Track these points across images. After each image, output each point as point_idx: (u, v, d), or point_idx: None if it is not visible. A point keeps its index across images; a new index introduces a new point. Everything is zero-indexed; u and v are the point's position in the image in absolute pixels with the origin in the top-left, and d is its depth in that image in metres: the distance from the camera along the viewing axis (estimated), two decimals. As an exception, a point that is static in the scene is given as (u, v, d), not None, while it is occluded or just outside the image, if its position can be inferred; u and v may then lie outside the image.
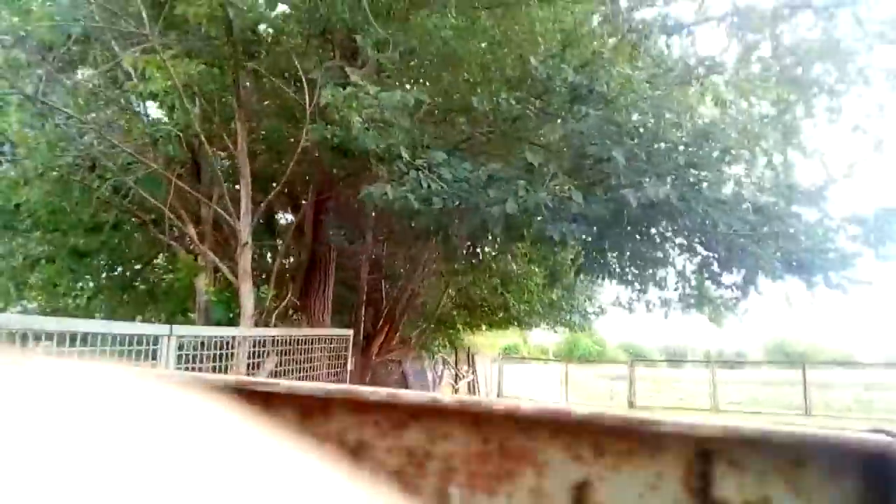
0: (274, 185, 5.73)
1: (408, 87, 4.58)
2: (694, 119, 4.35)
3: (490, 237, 4.50)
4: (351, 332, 6.27)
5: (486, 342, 25.55)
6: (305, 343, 5.48)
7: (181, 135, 4.90)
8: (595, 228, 4.41)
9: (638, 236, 4.59)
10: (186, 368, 4.03)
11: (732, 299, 5.45)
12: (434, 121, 5.06)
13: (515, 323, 10.91)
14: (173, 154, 4.97)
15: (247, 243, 4.84)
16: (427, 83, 5.27)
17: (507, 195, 4.25)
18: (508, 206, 4.10)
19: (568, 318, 10.26)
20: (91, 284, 5.62)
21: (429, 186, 4.34)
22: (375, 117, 4.08)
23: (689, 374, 24.51)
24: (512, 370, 24.78)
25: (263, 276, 5.59)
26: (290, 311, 5.90)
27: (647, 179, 4.18)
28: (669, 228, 4.45)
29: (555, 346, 35.59)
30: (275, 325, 5.28)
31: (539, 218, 4.26)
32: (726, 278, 5.27)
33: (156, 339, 3.80)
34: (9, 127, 4.29)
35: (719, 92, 4.28)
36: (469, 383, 15.15)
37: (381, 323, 7.32)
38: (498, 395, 21.35)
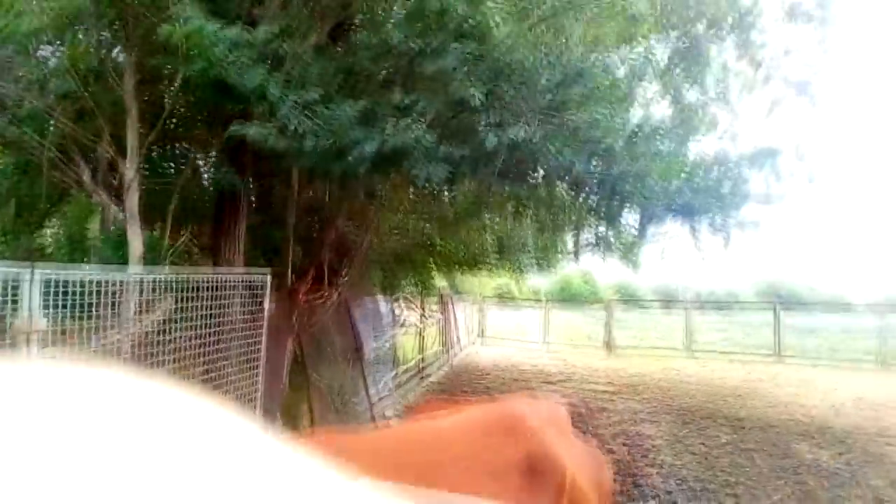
0: (173, 123, 5.70)
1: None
2: (569, 58, 4.25)
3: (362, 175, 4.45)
4: (268, 271, 6.23)
5: (475, 284, 25.81)
6: (211, 284, 5.46)
7: (70, 72, 4.86)
8: (461, 170, 4.38)
9: (509, 178, 4.56)
10: (55, 315, 4.02)
11: (631, 241, 5.47)
12: (323, 59, 4.95)
13: (468, 265, 10.95)
14: (62, 91, 4.92)
15: (131, 183, 4.85)
16: (319, 22, 5.14)
17: (375, 135, 4.22)
18: (367, 145, 4.08)
19: (518, 261, 10.30)
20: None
21: (298, 125, 4.31)
22: (231, 54, 4.01)
23: (677, 316, 24.59)
24: (499, 313, 25.11)
25: (164, 218, 5.59)
26: (195, 252, 5.94)
27: (511, 120, 4.14)
28: (540, 170, 4.40)
29: (548, 289, 35.87)
30: (174, 268, 5.31)
31: (407, 158, 4.25)
32: (621, 220, 5.27)
33: (15, 279, 3.79)
34: None
35: (594, 31, 4.17)
36: (440, 325, 15.32)
37: (311, 264, 7.35)
38: (480, 336, 21.72)
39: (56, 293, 4.01)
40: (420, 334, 13.65)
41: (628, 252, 5.99)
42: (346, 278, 7.79)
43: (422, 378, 13.03)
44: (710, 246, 5.51)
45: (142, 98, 5.14)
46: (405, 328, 13.06)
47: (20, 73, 4.78)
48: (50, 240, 5.94)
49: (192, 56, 4.21)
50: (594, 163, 4.10)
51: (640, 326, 24.31)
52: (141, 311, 4.83)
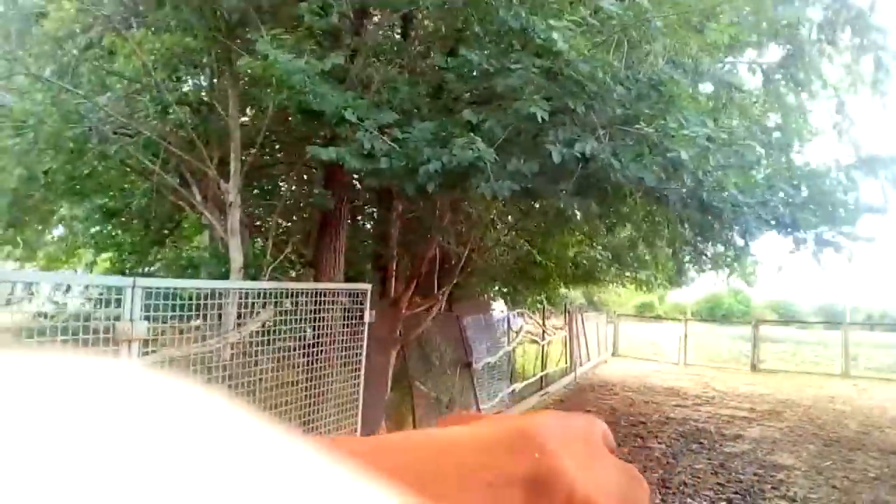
0: (277, 146, 6.13)
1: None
2: (646, 72, 4.09)
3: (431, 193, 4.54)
4: (369, 285, 6.47)
5: (611, 299, 25.13)
6: (311, 296, 5.78)
7: (185, 104, 5.41)
8: (532, 186, 4.33)
9: (585, 194, 4.44)
10: (156, 319, 4.43)
11: (731, 256, 5.12)
12: (404, 82, 5.13)
13: (582, 280, 10.70)
14: (178, 121, 5.47)
15: (233, 202, 5.27)
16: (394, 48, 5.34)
17: (444, 153, 4.30)
18: (432, 164, 4.16)
19: (635, 276, 9.94)
20: (127, 240, 6.40)
21: (371, 147, 4.49)
22: (309, 82, 4.26)
23: (839, 337, 22.50)
24: (637, 329, 24.23)
25: (267, 234, 6.00)
26: (298, 267, 6.30)
27: (583, 135, 4.05)
28: (619, 184, 4.25)
29: (694, 305, 34.19)
30: (272, 278, 5.68)
31: (474, 175, 4.28)
32: (717, 235, 4.97)
33: (119, 291, 4.24)
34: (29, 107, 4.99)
35: (671, 43, 3.98)
36: (566, 340, 15.01)
37: (414, 276, 7.56)
38: (613, 352, 21.08)
39: (157, 305, 4.42)
40: (543, 349, 13.48)
41: (737, 266, 5.60)
42: (447, 290, 7.92)
43: (543, 394, 12.86)
44: (832, 260, 5.04)
45: (244, 125, 5.59)
46: (525, 343, 12.97)
47: (140, 108, 5.36)
48: (171, 254, 6.59)
49: (280, 86, 4.54)
50: (665, 176, 3.91)
51: (795, 348, 22.50)
52: (241, 320, 5.20)
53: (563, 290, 14.39)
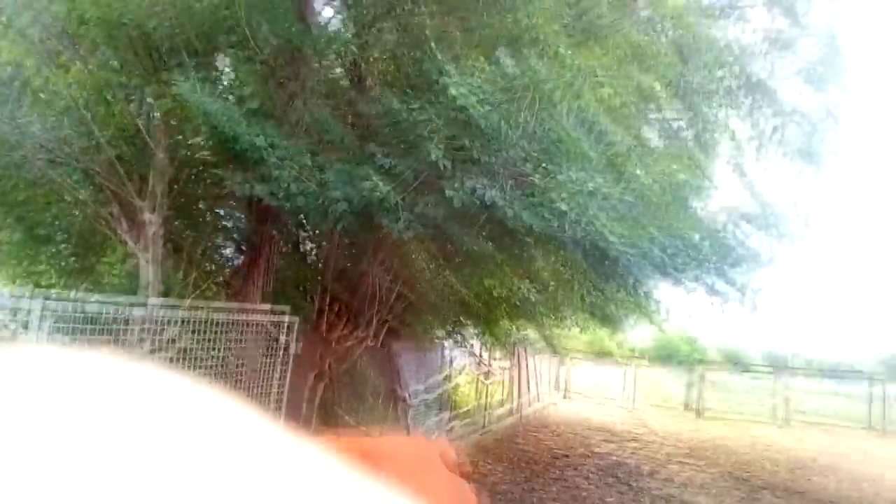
0: (207, 177, 6.27)
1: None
2: (550, 126, 4.36)
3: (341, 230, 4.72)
4: (295, 317, 6.57)
5: (563, 338, 25.23)
6: (231, 325, 5.86)
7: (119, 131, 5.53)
8: (437, 228, 4.54)
9: (488, 237, 4.67)
10: (68, 341, 4.50)
11: (633, 301, 5.37)
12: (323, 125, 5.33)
13: (516, 316, 10.87)
14: (108, 158, 5.58)
15: (156, 231, 5.39)
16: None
17: (353, 194, 4.49)
18: (339, 204, 4.36)
19: (565, 314, 10.16)
20: (56, 266, 6.44)
21: (287, 186, 4.66)
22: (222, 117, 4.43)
23: (783, 384, 22.96)
24: (588, 369, 24.49)
25: (189, 261, 6.09)
26: (222, 295, 6.39)
27: (487, 183, 4.28)
28: (516, 232, 4.49)
29: (651, 350, 34.56)
30: (191, 305, 5.75)
31: (383, 215, 4.48)
32: (616, 280, 5.22)
33: (27, 311, 4.31)
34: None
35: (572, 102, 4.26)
36: (510, 377, 15.13)
37: (342, 308, 7.66)
38: (561, 392, 21.25)
39: (67, 328, 4.50)
40: (484, 385, 13.57)
41: (642, 311, 5.86)
42: (379, 324, 8.04)
43: (482, 431, 12.93)
44: (734, 309, 5.33)
45: (183, 155, 5.72)
46: (470, 380, 13.05)
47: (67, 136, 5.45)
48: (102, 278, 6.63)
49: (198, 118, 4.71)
50: (555, 225, 4.15)
51: (741, 395, 22.97)
52: (153, 344, 5.25)
53: (511, 329, 14.51)
